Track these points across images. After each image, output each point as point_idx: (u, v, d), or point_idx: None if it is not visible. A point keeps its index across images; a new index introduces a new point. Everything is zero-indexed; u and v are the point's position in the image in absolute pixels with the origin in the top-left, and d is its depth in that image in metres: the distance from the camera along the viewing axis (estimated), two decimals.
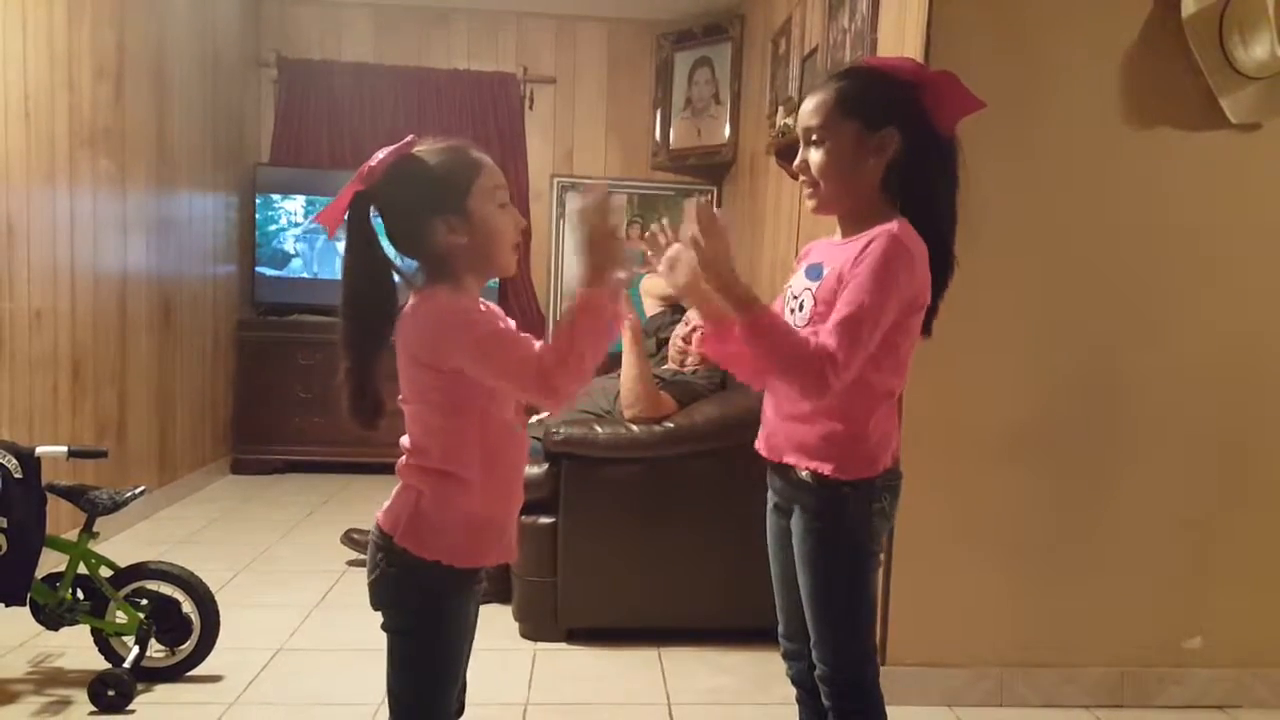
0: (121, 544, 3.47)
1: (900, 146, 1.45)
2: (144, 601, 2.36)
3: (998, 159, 2.26)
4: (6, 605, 2.25)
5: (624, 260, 1.31)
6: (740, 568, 2.43)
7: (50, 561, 2.30)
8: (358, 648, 2.63)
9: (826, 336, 1.38)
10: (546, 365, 1.25)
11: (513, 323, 1.47)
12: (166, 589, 2.39)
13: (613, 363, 3.03)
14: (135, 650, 2.32)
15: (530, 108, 5.32)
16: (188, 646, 2.41)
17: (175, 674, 2.40)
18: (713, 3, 4.95)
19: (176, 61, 4.15)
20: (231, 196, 4.87)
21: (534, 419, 3.07)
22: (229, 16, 4.76)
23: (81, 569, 2.33)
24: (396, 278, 1.36)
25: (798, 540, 1.53)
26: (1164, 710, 2.47)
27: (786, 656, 1.69)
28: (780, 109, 3.70)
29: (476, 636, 1.48)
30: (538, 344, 1.31)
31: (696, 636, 2.79)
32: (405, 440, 1.40)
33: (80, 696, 2.26)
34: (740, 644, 2.74)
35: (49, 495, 2.28)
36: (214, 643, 2.42)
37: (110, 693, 2.24)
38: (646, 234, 1.65)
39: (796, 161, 1.53)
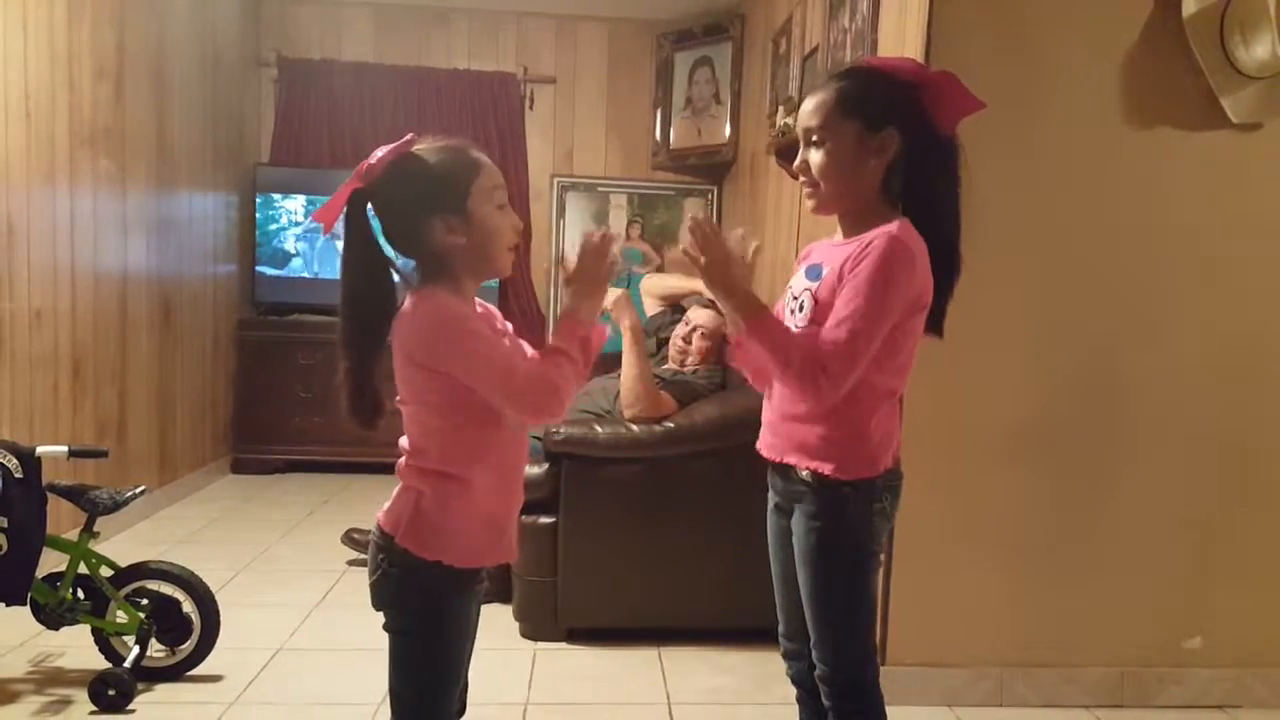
0: (122, 544, 3.47)
1: (901, 147, 1.45)
2: (144, 601, 2.36)
3: (998, 159, 2.26)
4: (7, 605, 2.25)
5: (601, 302, 1.41)
6: (740, 568, 2.43)
7: (51, 561, 2.30)
8: (358, 647, 2.63)
9: (826, 344, 1.38)
10: (526, 386, 1.29)
11: (510, 326, 1.47)
12: (167, 589, 2.40)
13: (613, 362, 3.03)
14: (136, 650, 2.32)
15: (530, 107, 5.32)
16: (188, 646, 2.41)
17: (176, 674, 2.40)
18: (713, 2, 4.95)
19: (177, 61, 4.15)
20: (232, 196, 4.87)
21: None
22: (229, 16, 4.76)
23: (82, 569, 2.33)
24: (395, 277, 1.36)
25: (798, 540, 1.53)
26: (1164, 710, 2.47)
27: (787, 656, 1.69)
28: (780, 109, 3.70)
29: (477, 636, 1.48)
30: (526, 359, 1.33)
31: (696, 636, 2.79)
32: (404, 441, 1.39)
33: (81, 696, 2.27)
34: (740, 644, 2.74)
35: (49, 495, 2.28)
36: (214, 642, 2.42)
37: (111, 692, 2.24)
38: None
39: (797, 162, 1.53)
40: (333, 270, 4.95)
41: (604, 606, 2.79)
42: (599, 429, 2.75)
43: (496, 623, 2.82)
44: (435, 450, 1.36)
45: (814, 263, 1.54)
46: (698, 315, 3.21)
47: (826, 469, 1.47)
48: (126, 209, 3.76)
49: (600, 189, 5.45)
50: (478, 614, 1.47)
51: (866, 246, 1.41)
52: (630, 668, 2.64)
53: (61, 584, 2.31)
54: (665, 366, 3.21)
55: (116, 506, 2.34)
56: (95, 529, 2.35)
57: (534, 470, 2.71)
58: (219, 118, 4.66)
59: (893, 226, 1.41)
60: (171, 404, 4.21)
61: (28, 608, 2.28)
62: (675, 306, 3.69)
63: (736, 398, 2.82)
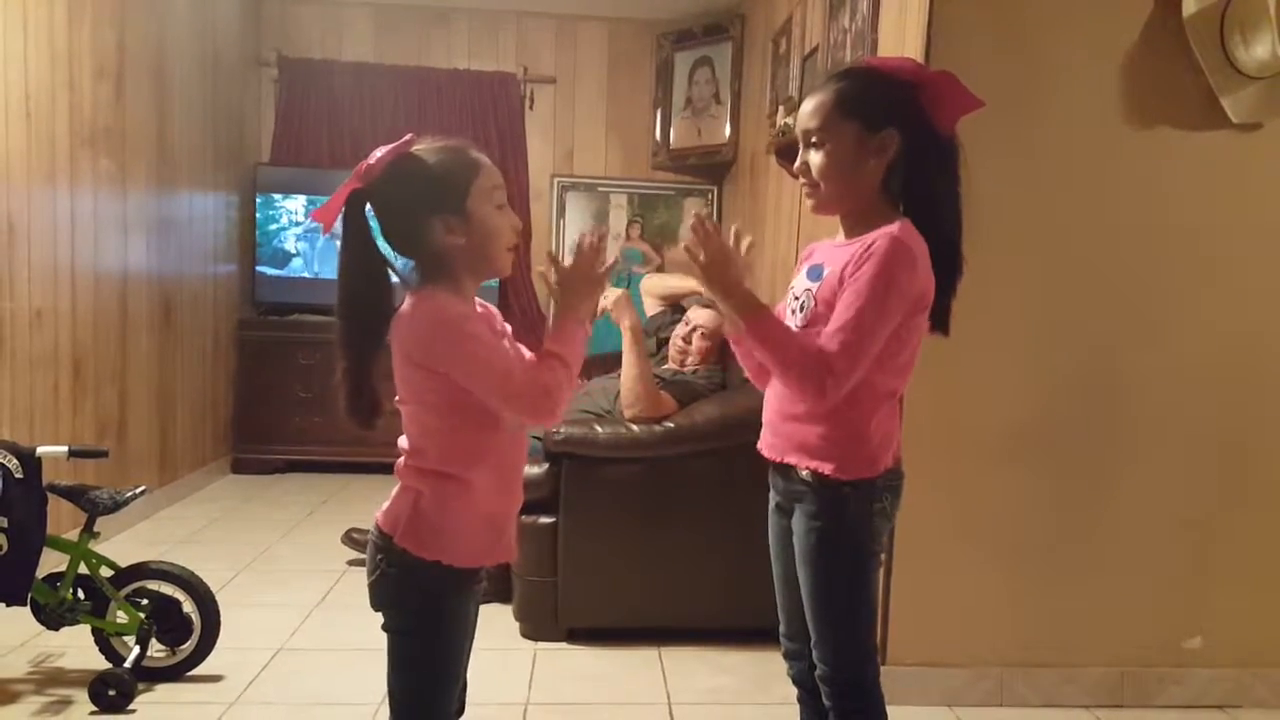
0: (122, 544, 3.47)
1: (900, 147, 1.45)
2: (145, 601, 2.36)
3: (998, 159, 2.26)
4: (7, 605, 2.25)
5: (595, 305, 1.43)
6: (740, 567, 2.43)
7: (51, 561, 2.31)
8: (358, 647, 2.63)
9: (829, 345, 1.38)
10: (522, 389, 1.29)
11: (509, 326, 1.47)
12: (167, 589, 2.40)
13: (613, 362, 3.03)
14: (136, 650, 2.32)
15: (530, 107, 5.32)
16: (188, 646, 2.41)
17: (176, 674, 2.40)
18: (713, 2, 4.95)
19: (177, 61, 4.15)
20: (232, 196, 4.87)
21: None
22: (229, 16, 4.76)
23: (82, 569, 2.33)
24: (393, 277, 1.36)
25: (799, 540, 1.53)
26: (1164, 710, 2.47)
27: (787, 656, 1.69)
28: (781, 108, 3.70)
29: (477, 636, 1.48)
30: (524, 363, 1.34)
31: (697, 636, 2.79)
32: (403, 441, 1.39)
33: (81, 696, 2.27)
34: (741, 644, 2.74)
35: (50, 495, 2.28)
36: (214, 642, 2.42)
37: (111, 692, 2.24)
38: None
39: (797, 164, 1.53)
40: (333, 270, 4.90)
41: (604, 606, 2.79)
42: (599, 429, 2.75)
43: (496, 623, 2.82)
44: (434, 450, 1.36)
45: (816, 263, 1.53)
46: (698, 315, 3.21)
47: (827, 469, 1.47)
48: (127, 209, 3.76)
49: (600, 189, 5.46)
50: (477, 613, 1.47)
51: (868, 248, 1.41)
52: (630, 668, 2.64)
53: (62, 584, 2.31)
54: (665, 366, 3.21)
55: (117, 507, 2.34)
56: (95, 529, 2.35)
57: (534, 470, 2.71)
58: (219, 117, 4.66)
59: (894, 227, 1.41)
60: (172, 404, 4.21)
61: (28, 608, 2.28)
62: (675, 306, 3.69)
63: (737, 398, 2.81)
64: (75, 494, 2.33)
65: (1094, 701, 2.47)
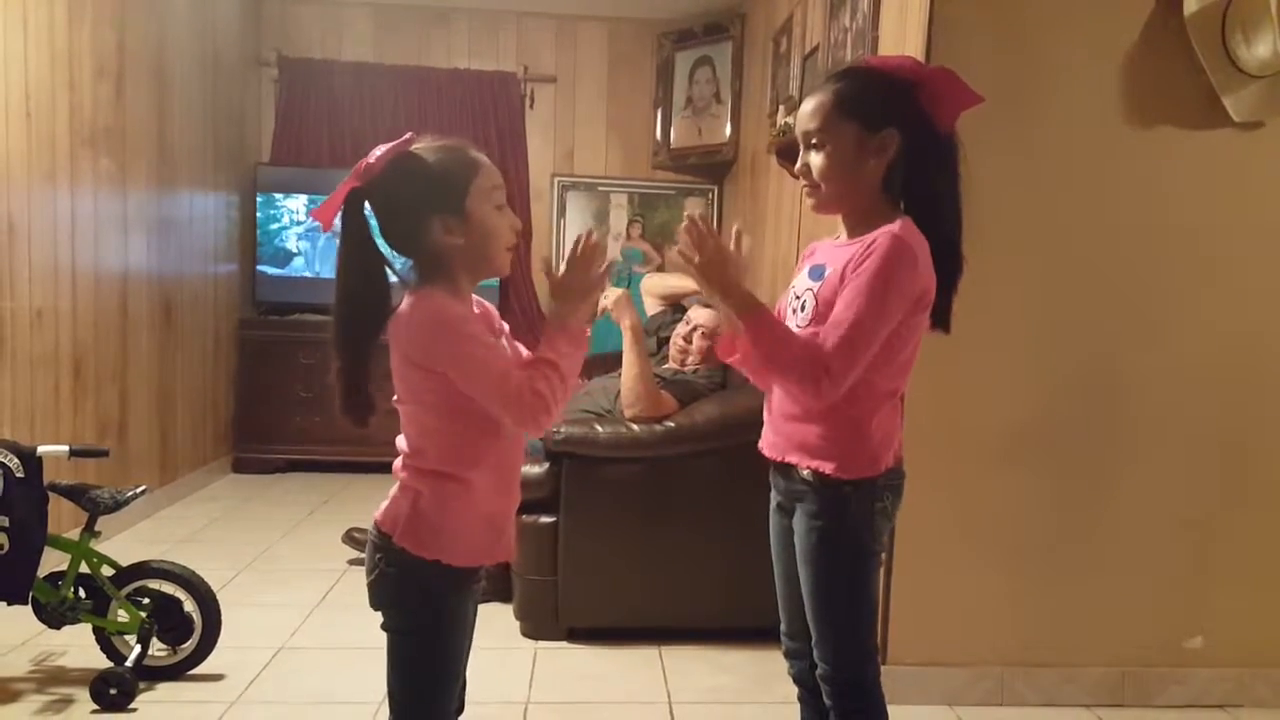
0: (123, 543, 3.48)
1: (900, 146, 1.45)
2: (146, 600, 2.36)
3: (998, 158, 2.26)
4: (9, 604, 2.25)
5: (590, 310, 1.41)
6: (741, 567, 2.43)
7: (52, 560, 2.31)
8: (359, 646, 2.63)
9: (827, 344, 1.38)
10: (518, 394, 1.28)
11: (507, 326, 1.47)
12: (168, 588, 2.40)
13: (613, 362, 3.03)
14: (137, 649, 2.33)
15: (531, 107, 5.32)
16: (189, 645, 2.41)
17: (177, 673, 2.41)
18: (713, 2, 4.95)
19: (177, 61, 4.16)
20: (232, 195, 4.87)
21: None
22: (229, 16, 4.76)
23: (83, 568, 2.33)
24: (391, 276, 1.36)
25: (799, 539, 1.54)
26: (1165, 710, 2.47)
27: (788, 655, 1.69)
28: (781, 108, 3.70)
29: (477, 635, 1.48)
30: (520, 363, 1.34)
31: (697, 635, 2.79)
32: (401, 441, 1.39)
33: (82, 695, 2.27)
34: (741, 643, 2.74)
35: (51, 494, 2.28)
36: (215, 641, 2.43)
37: (112, 691, 2.24)
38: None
39: (798, 166, 1.53)
40: (333, 269, 4.91)
41: (604, 606, 2.80)
42: (599, 429, 2.75)
43: (497, 622, 2.82)
44: (433, 450, 1.36)
45: (817, 263, 1.53)
46: (698, 314, 3.21)
47: (828, 468, 1.47)
48: (127, 208, 3.76)
49: (601, 188, 5.46)
50: (475, 612, 1.47)
51: (869, 247, 1.41)
52: (631, 667, 2.64)
53: (63, 583, 2.31)
54: (665, 366, 3.21)
55: (117, 506, 2.35)
56: (96, 528, 2.35)
57: (534, 470, 2.71)
58: (219, 117, 4.66)
59: (895, 226, 1.41)
60: (172, 403, 4.21)
61: (29, 607, 2.29)
62: (675, 306, 3.70)
63: (737, 397, 2.82)
64: (76, 493, 2.33)
65: (1094, 701, 2.47)
